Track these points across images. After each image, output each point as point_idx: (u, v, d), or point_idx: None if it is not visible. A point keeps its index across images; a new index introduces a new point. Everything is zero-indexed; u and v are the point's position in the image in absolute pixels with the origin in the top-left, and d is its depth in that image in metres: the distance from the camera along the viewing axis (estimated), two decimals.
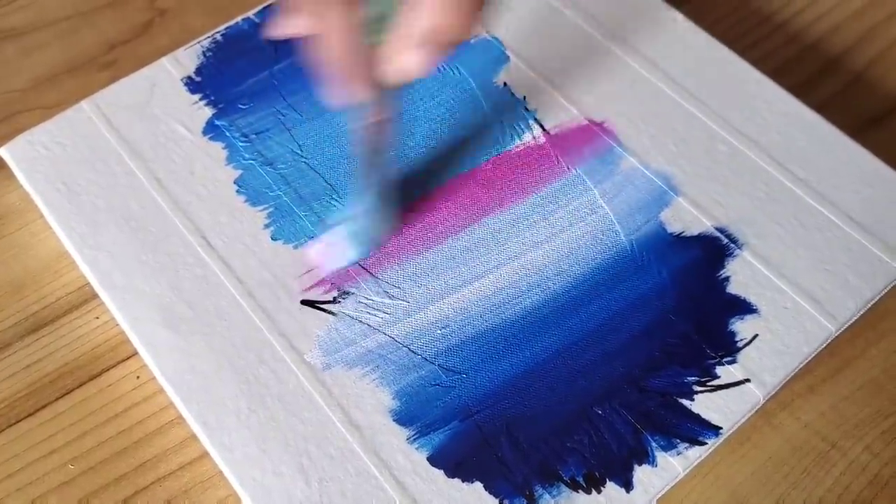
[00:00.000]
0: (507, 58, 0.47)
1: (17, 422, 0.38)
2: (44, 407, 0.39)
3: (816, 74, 0.49)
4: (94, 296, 0.41)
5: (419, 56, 0.30)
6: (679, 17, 0.48)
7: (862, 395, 0.39)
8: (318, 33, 0.30)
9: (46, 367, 0.40)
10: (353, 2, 0.30)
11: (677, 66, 0.46)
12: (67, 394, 0.39)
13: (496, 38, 0.47)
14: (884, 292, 0.40)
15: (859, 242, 0.41)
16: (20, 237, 0.43)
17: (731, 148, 0.44)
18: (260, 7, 0.49)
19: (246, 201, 0.42)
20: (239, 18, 0.48)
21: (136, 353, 0.40)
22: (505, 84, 0.46)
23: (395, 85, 0.32)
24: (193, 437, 0.38)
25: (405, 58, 0.30)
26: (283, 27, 0.31)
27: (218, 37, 0.47)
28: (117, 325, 0.40)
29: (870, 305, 0.40)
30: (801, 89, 0.46)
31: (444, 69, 0.46)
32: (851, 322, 0.40)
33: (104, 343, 0.40)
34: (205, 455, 0.37)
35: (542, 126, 0.44)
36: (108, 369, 0.40)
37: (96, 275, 0.40)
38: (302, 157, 0.43)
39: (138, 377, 0.39)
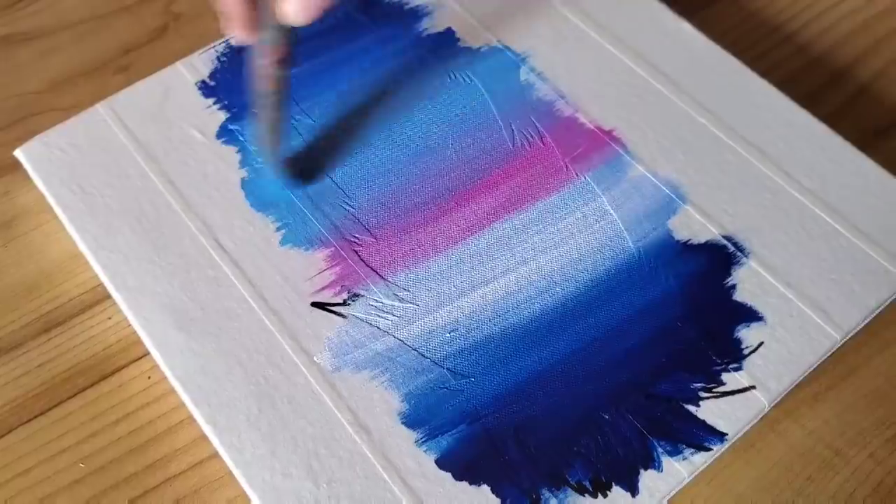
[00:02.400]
0: (518, 66, 0.47)
1: (29, 420, 0.39)
2: (55, 406, 0.39)
3: (823, 86, 0.50)
4: (107, 296, 0.42)
5: (299, 3, 0.32)
6: (687, 27, 0.48)
7: (866, 403, 0.39)
8: None
9: (58, 366, 0.40)
10: None
11: (686, 75, 0.47)
12: (79, 393, 0.40)
13: (507, 47, 0.48)
14: (888, 302, 0.40)
15: (865, 252, 0.41)
16: (34, 237, 0.44)
17: (739, 157, 0.44)
18: None
19: (257, 204, 0.42)
20: None
21: (147, 354, 0.40)
22: (516, 91, 0.46)
23: (287, 27, 0.34)
24: (203, 438, 0.38)
25: (287, 2, 0.32)
26: None
27: (232, 41, 0.48)
28: (129, 325, 0.41)
29: (874, 315, 0.40)
30: (808, 100, 0.46)
31: (455, 76, 0.47)
32: (856, 331, 0.40)
33: (116, 343, 0.41)
34: (214, 455, 0.38)
35: (550, 133, 0.45)
36: (119, 369, 0.40)
37: (109, 275, 0.40)
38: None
39: (149, 377, 0.40)
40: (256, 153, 0.43)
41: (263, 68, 0.36)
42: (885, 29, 0.52)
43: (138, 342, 0.40)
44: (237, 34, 0.35)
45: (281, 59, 0.35)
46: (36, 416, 0.39)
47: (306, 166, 0.42)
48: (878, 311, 0.40)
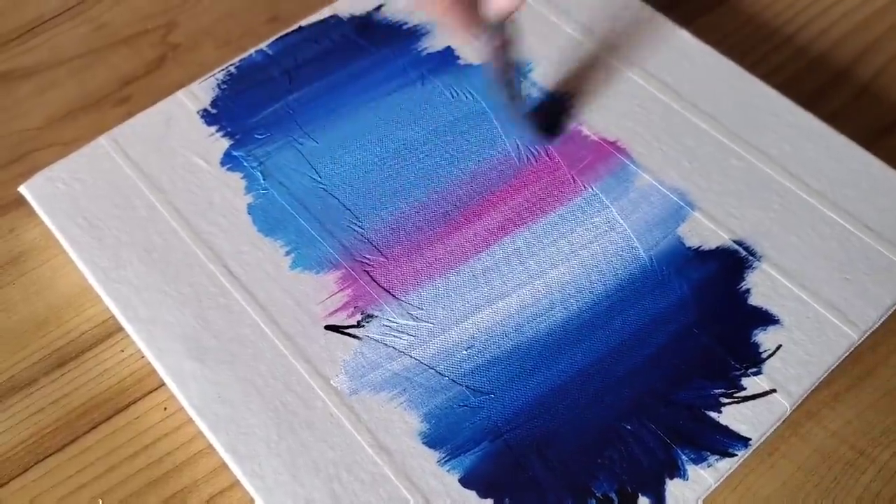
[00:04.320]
0: (520, 80, 0.47)
1: (45, 458, 0.39)
2: (72, 442, 0.39)
3: (824, 87, 0.50)
4: (118, 329, 0.41)
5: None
6: (686, 35, 0.49)
7: (887, 401, 0.39)
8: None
9: (73, 401, 0.40)
10: None
11: (687, 83, 0.47)
12: (95, 427, 0.39)
13: None
14: None
15: (877, 250, 0.41)
16: (42, 273, 0.43)
17: (745, 162, 0.44)
18: (272, 39, 0.49)
19: (265, 229, 0.42)
20: (252, 51, 0.49)
21: (162, 385, 0.40)
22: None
23: (499, 18, 0.38)
24: (223, 467, 0.38)
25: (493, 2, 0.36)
26: (405, 4, 0.38)
27: (232, 69, 0.48)
28: (143, 357, 0.40)
29: (890, 312, 0.40)
30: (810, 102, 0.46)
31: (457, 94, 0.47)
32: (873, 329, 0.40)
33: (130, 376, 0.40)
34: (235, 484, 0.37)
35: (555, 146, 0.45)
36: (135, 401, 0.40)
37: (120, 307, 0.40)
38: (320, 183, 0.44)
39: (165, 408, 0.39)
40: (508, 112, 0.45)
41: (494, 51, 0.40)
42: (883, 27, 0.52)
43: (152, 374, 0.40)
44: (458, 36, 0.40)
45: (503, 43, 0.40)
46: (53, 453, 0.39)
47: (551, 120, 0.46)
48: (894, 308, 0.40)
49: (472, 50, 0.48)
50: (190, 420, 0.39)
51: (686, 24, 0.49)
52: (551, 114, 0.46)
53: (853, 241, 0.41)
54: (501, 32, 0.39)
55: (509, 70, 0.42)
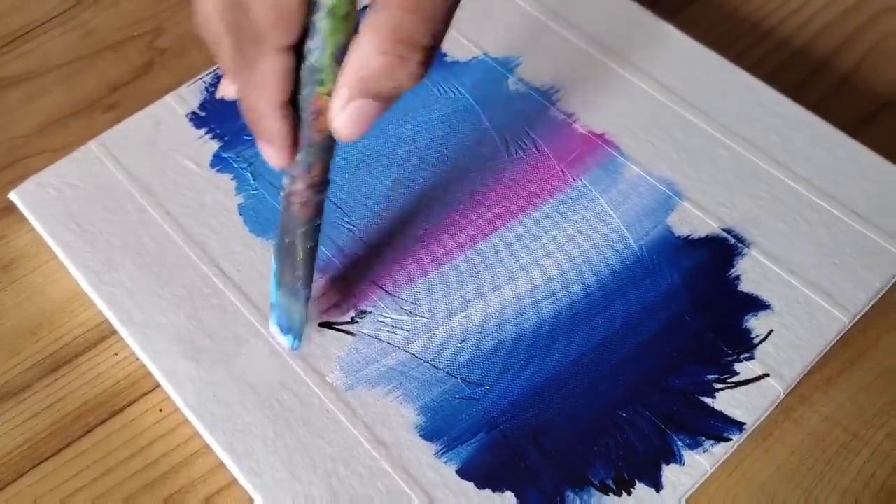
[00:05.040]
0: (505, 76, 0.47)
1: (41, 462, 0.38)
2: (67, 446, 0.39)
3: (807, 77, 0.50)
4: (112, 333, 0.41)
5: (352, 112, 0.27)
6: (670, 28, 0.49)
7: (879, 384, 0.40)
8: (244, 88, 0.29)
9: (67, 406, 0.40)
10: (283, 51, 0.27)
11: (672, 76, 0.47)
12: (90, 431, 0.39)
13: (493, 59, 0.48)
14: (893, 281, 0.41)
15: (865, 235, 0.42)
16: (33, 279, 0.43)
17: (732, 152, 0.45)
18: None
19: (257, 229, 0.42)
20: None
21: (157, 387, 0.40)
22: (506, 101, 0.47)
23: (330, 144, 0.30)
24: (220, 467, 0.38)
25: (338, 114, 0.28)
26: (220, 90, 0.31)
27: (220, 72, 0.48)
28: (137, 360, 0.40)
29: (880, 295, 0.40)
30: (794, 92, 0.47)
31: (444, 89, 0.47)
32: (863, 313, 0.40)
33: (125, 378, 0.40)
34: (232, 483, 0.37)
35: (544, 140, 0.45)
36: (130, 404, 0.40)
37: (114, 311, 0.40)
38: None
39: (161, 410, 0.39)
40: (282, 296, 0.37)
41: (299, 194, 0.32)
42: (863, 17, 0.53)
43: (147, 376, 0.40)
44: (275, 159, 0.30)
45: (322, 181, 0.31)
46: (48, 458, 0.38)
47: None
48: (884, 291, 0.40)
49: (457, 46, 0.49)
50: (186, 421, 0.39)
51: (669, 17, 0.50)
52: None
53: (841, 226, 0.42)
54: (322, 164, 0.31)
55: (315, 223, 0.33)
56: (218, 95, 0.31)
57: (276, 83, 0.28)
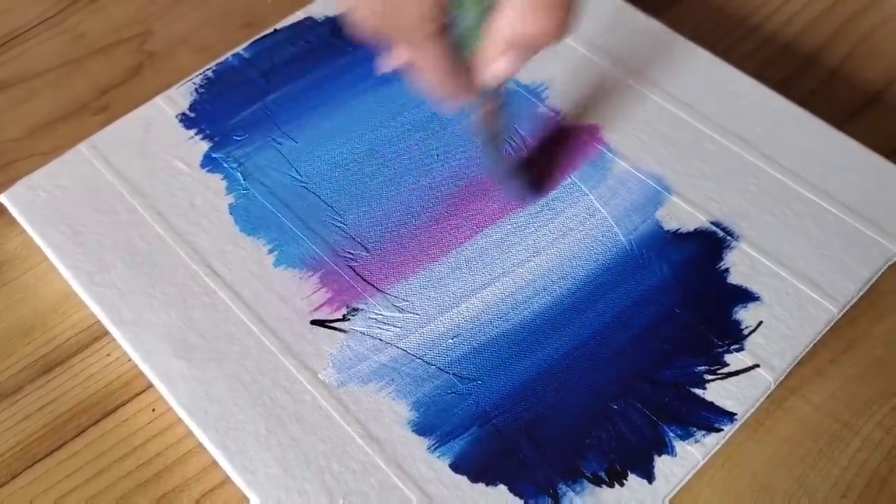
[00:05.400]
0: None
1: (34, 463, 0.38)
2: (60, 447, 0.39)
3: (794, 73, 0.51)
4: (104, 334, 0.41)
5: (506, 62, 0.33)
6: (658, 25, 0.49)
7: (868, 373, 0.40)
8: (416, 64, 0.34)
9: (60, 407, 0.40)
10: (437, 30, 0.32)
11: (660, 72, 0.47)
12: (83, 432, 0.39)
13: None
14: (880, 272, 0.41)
15: (852, 226, 0.42)
16: (24, 282, 0.43)
17: (719, 146, 0.45)
18: (248, 43, 0.50)
19: (247, 229, 0.42)
20: (228, 55, 0.49)
21: (150, 387, 0.40)
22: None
23: (494, 85, 0.35)
24: (213, 465, 0.38)
25: (495, 65, 0.33)
26: (387, 63, 0.35)
27: (209, 73, 0.48)
28: (129, 360, 0.40)
29: (868, 286, 0.41)
30: (781, 87, 0.47)
31: None
32: (852, 303, 0.40)
33: (117, 379, 0.40)
34: (226, 481, 0.37)
35: (533, 137, 0.45)
36: (122, 404, 0.40)
37: (105, 311, 0.40)
38: (301, 181, 0.44)
39: (154, 409, 0.39)
40: (497, 173, 0.43)
41: (484, 116, 0.38)
42: (849, 12, 0.53)
43: (139, 376, 0.40)
44: (454, 106, 0.37)
45: (498, 105, 0.38)
46: (41, 459, 0.38)
47: (537, 177, 0.44)
48: (872, 282, 0.41)
49: None
50: (178, 420, 0.39)
51: (657, 14, 0.50)
52: (536, 172, 0.44)
53: (829, 218, 0.42)
54: (493, 98, 0.37)
55: (499, 133, 0.40)
56: (386, 68, 0.36)
57: (439, 60, 0.33)
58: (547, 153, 0.45)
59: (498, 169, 0.42)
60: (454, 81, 0.35)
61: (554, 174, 0.44)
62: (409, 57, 0.34)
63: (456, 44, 0.33)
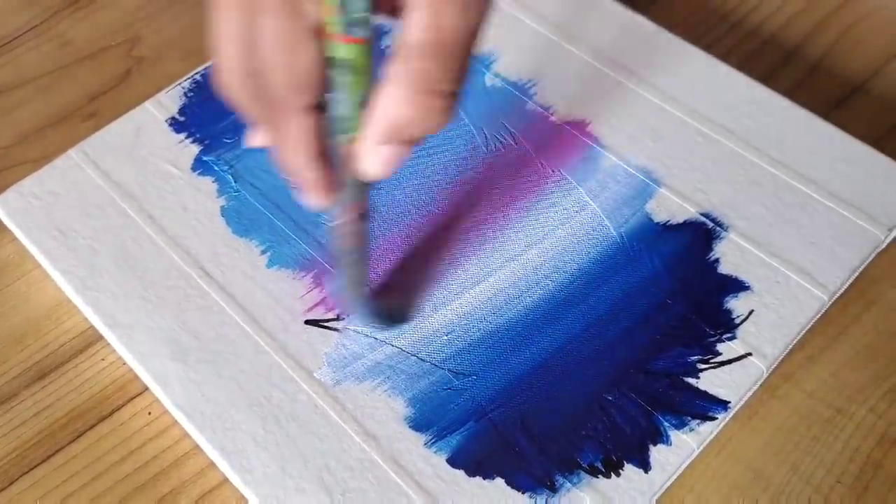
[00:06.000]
0: (482, 72, 0.48)
1: (31, 469, 0.38)
2: (56, 452, 0.39)
3: (778, 65, 0.51)
4: (98, 339, 0.41)
5: (381, 155, 0.29)
6: (642, 19, 0.50)
7: (860, 360, 0.40)
8: (276, 144, 0.30)
9: (56, 412, 0.40)
10: (308, 106, 0.29)
11: (646, 66, 0.48)
12: (80, 436, 0.39)
13: None
14: (869, 259, 0.41)
15: (841, 215, 0.42)
16: (17, 289, 0.43)
17: (707, 138, 0.45)
18: None
19: (239, 230, 0.42)
20: None
21: (145, 390, 0.40)
22: (483, 96, 0.47)
23: (365, 182, 0.31)
24: (211, 466, 0.38)
25: (368, 158, 0.29)
26: (249, 140, 0.32)
27: (198, 77, 0.48)
28: (123, 364, 0.41)
29: (858, 273, 0.41)
30: (766, 80, 0.48)
31: None
32: (842, 291, 0.41)
33: (112, 383, 0.40)
34: (223, 482, 0.37)
35: (522, 133, 0.46)
36: (118, 408, 0.40)
37: (100, 315, 0.40)
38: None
39: (150, 413, 0.39)
40: (345, 304, 0.40)
41: (344, 226, 0.34)
42: (832, 4, 0.53)
43: (134, 380, 0.40)
44: (314, 201, 0.32)
45: (362, 213, 0.33)
46: (38, 465, 0.38)
47: (393, 311, 0.40)
48: (860, 269, 0.41)
49: None
50: (175, 423, 0.39)
51: (642, 10, 0.50)
52: (394, 306, 0.40)
53: (817, 206, 0.42)
54: (358, 201, 0.32)
55: (361, 250, 0.35)
56: (247, 146, 0.32)
57: (305, 140, 0.29)
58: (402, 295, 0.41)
59: (351, 293, 0.38)
60: (319, 171, 0.30)
61: (410, 309, 0.40)
62: (274, 134, 0.30)
63: (328, 130, 0.29)
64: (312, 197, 0.32)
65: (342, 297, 0.40)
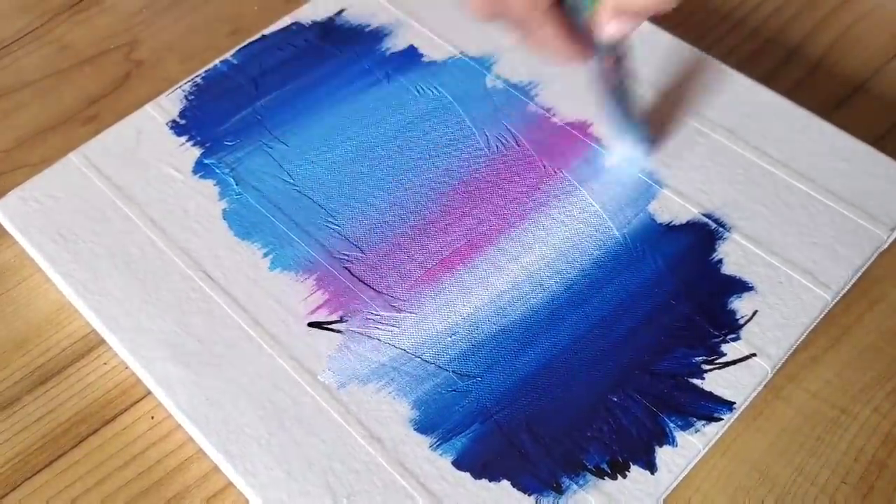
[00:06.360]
0: (483, 74, 0.48)
1: (33, 475, 0.38)
2: (59, 457, 0.39)
3: (779, 65, 0.51)
4: (100, 343, 0.41)
5: (617, 26, 0.36)
6: (643, 22, 0.50)
7: (863, 360, 0.40)
8: (534, 38, 0.36)
9: (58, 417, 0.40)
10: (551, 3, 0.35)
11: (646, 66, 0.48)
12: (82, 441, 0.39)
13: (469, 57, 0.49)
14: (872, 258, 0.41)
15: (842, 214, 0.42)
16: (18, 293, 0.43)
17: (708, 139, 0.45)
18: (236, 49, 0.50)
19: (242, 233, 0.42)
20: (217, 61, 0.49)
21: (148, 394, 0.40)
22: (484, 98, 0.47)
23: (612, 42, 0.37)
24: (214, 470, 0.38)
25: (607, 27, 0.36)
26: (509, 40, 0.39)
27: (198, 80, 0.48)
28: (126, 368, 0.40)
29: (860, 273, 0.41)
30: (766, 80, 0.48)
31: (422, 89, 0.47)
32: (844, 291, 0.41)
33: (115, 387, 0.40)
34: (228, 486, 0.37)
35: (523, 134, 0.46)
36: (121, 413, 0.40)
37: (102, 319, 0.40)
38: (293, 185, 0.44)
39: (153, 417, 0.39)
40: (623, 136, 0.44)
41: (609, 71, 0.39)
42: (832, 3, 0.54)
43: (137, 384, 0.40)
44: (579, 62, 0.38)
45: (619, 59, 0.39)
46: (40, 470, 0.38)
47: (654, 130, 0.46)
48: (863, 268, 0.41)
49: (433, 47, 0.49)
50: (178, 427, 0.39)
51: None
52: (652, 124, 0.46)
53: (818, 206, 0.43)
54: (614, 51, 0.39)
55: (623, 83, 0.41)
56: (510, 42, 0.39)
57: (557, 31, 0.36)
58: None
59: (621, 120, 0.43)
60: (573, 48, 0.37)
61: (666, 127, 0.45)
62: (528, 31, 0.36)
63: (569, 12, 0.36)
64: (574, 62, 0.38)
65: (623, 129, 0.43)
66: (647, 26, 0.49)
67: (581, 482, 0.35)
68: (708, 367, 0.38)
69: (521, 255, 0.41)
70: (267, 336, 0.39)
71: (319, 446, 0.36)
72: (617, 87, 0.41)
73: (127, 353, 0.39)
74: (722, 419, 0.37)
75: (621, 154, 0.45)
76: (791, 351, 0.39)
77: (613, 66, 0.39)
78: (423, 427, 0.37)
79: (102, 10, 0.55)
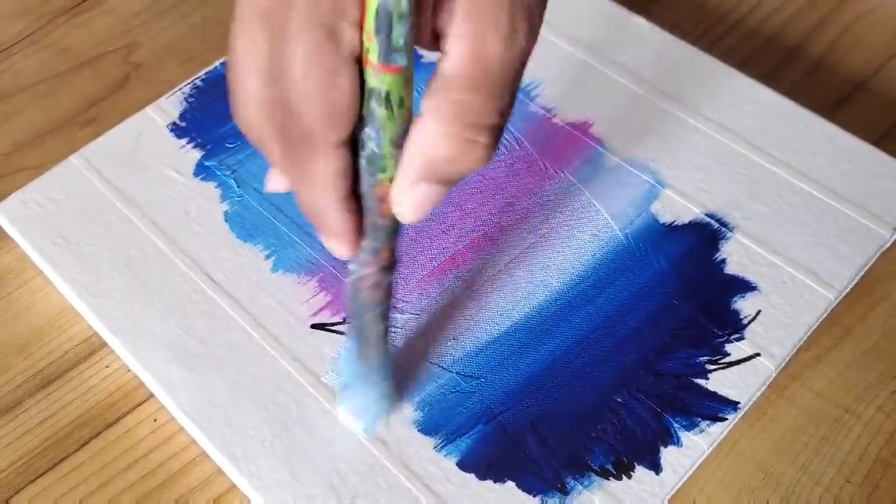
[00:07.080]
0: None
1: (36, 479, 0.38)
2: (62, 461, 0.38)
3: (779, 64, 0.51)
4: (102, 346, 0.41)
5: (416, 196, 0.26)
6: (642, 21, 0.50)
7: (867, 359, 0.40)
8: (300, 186, 0.27)
9: (61, 420, 0.39)
10: (343, 142, 0.26)
11: (647, 67, 0.48)
12: (85, 444, 0.39)
13: None
14: (874, 258, 0.41)
15: (844, 213, 0.42)
16: (20, 296, 0.43)
17: (709, 139, 0.45)
18: None
19: (243, 235, 0.42)
20: (217, 63, 0.49)
21: (150, 397, 0.40)
22: None
23: (394, 227, 0.29)
24: (218, 473, 0.37)
25: (403, 199, 0.26)
26: (269, 184, 0.29)
27: (198, 82, 0.48)
28: (128, 371, 0.40)
29: (863, 272, 0.41)
30: (767, 79, 0.48)
31: (422, 90, 0.47)
32: (847, 290, 0.41)
33: (117, 390, 0.40)
34: (231, 489, 0.37)
35: (526, 136, 0.45)
36: (124, 416, 0.39)
37: (104, 322, 0.40)
38: None
39: (155, 420, 0.39)
40: (355, 378, 0.36)
41: (369, 278, 0.31)
42: (830, 4, 0.54)
43: (140, 387, 0.40)
44: (340, 251, 0.29)
45: (388, 263, 0.30)
46: (43, 474, 0.38)
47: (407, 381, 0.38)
48: (866, 267, 0.41)
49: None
50: (181, 430, 0.39)
51: (642, 11, 0.51)
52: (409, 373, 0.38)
53: (821, 206, 0.43)
54: (389, 247, 0.30)
55: (386, 304, 0.32)
56: (267, 190, 0.29)
57: (334, 180, 0.27)
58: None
59: (363, 357, 0.34)
60: (347, 214, 0.28)
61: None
62: (298, 174, 0.27)
63: (360, 169, 0.27)
64: (338, 244, 0.29)
65: (364, 362, 0.35)
66: (647, 26, 0.49)
67: (586, 483, 0.35)
68: (712, 367, 0.38)
69: (524, 256, 0.41)
70: (270, 338, 0.39)
71: (324, 448, 0.36)
72: (374, 306, 0.32)
73: (129, 356, 0.39)
74: (726, 419, 0.37)
75: (353, 404, 0.36)
76: (795, 350, 0.39)
77: (379, 272, 0.30)
78: (427, 428, 0.37)
79: (101, 12, 0.55)
